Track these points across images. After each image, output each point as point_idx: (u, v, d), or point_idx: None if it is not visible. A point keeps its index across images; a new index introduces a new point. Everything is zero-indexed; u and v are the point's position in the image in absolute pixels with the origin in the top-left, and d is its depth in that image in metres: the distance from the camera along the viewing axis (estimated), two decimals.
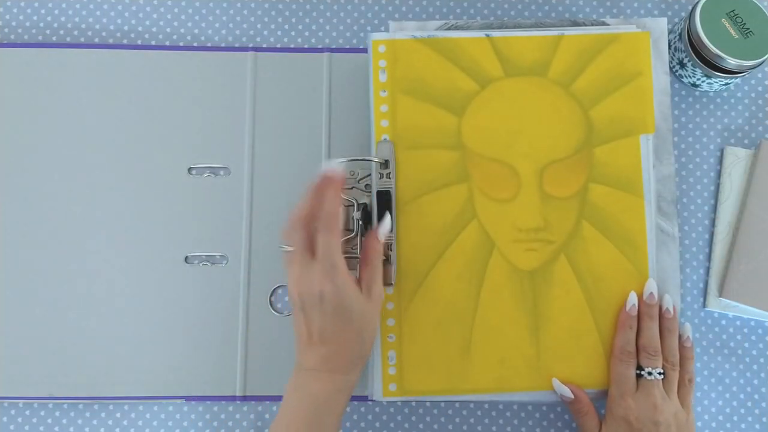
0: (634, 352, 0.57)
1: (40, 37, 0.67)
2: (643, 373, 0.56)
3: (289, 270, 0.53)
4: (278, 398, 0.62)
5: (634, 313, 0.58)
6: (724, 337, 0.64)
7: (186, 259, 0.63)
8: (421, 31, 0.62)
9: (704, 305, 0.64)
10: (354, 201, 0.62)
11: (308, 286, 0.51)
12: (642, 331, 0.58)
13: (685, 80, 0.66)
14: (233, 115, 0.65)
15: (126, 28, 0.67)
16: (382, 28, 0.68)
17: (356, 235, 0.61)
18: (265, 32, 0.68)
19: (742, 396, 0.63)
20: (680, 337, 0.59)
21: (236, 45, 0.67)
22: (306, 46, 0.68)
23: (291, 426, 0.52)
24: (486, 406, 0.63)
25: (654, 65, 0.61)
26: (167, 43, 0.67)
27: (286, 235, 0.53)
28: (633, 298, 0.59)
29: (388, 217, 0.58)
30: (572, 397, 0.58)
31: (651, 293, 0.59)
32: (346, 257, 0.59)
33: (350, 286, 0.52)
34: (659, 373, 0.56)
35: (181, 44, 0.67)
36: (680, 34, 0.63)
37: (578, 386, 0.58)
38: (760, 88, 0.67)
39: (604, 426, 0.56)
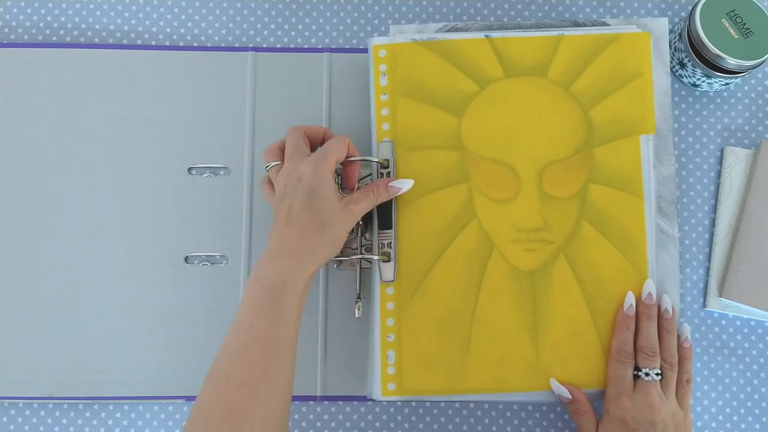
0: (631, 353, 0.57)
1: (40, 37, 0.67)
2: (640, 374, 0.56)
3: (280, 173, 0.56)
4: None
5: (632, 313, 0.58)
6: (724, 337, 0.64)
7: (186, 259, 0.63)
8: (421, 33, 0.62)
9: (704, 305, 0.64)
10: None
11: (293, 172, 0.54)
12: (640, 332, 0.58)
13: (685, 80, 0.66)
14: (233, 115, 0.65)
15: (126, 28, 0.67)
16: (382, 29, 0.68)
17: (356, 235, 0.61)
18: (265, 32, 0.68)
19: (742, 396, 0.63)
20: (678, 337, 0.58)
21: (236, 45, 0.67)
22: (306, 46, 0.68)
23: (253, 316, 0.51)
24: (486, 406, 0.63)
25: (655, 65, 0.61)
26: (167, 43, 0.67)
27: (270, 154, 0.57)
28: (630, 299, 0.59)
29: (411, 181, 0.59)
30: (570, 397, 0.57)
31: (649, 293, 0.59)
32: (345, 257, 0.60)
33: (329, 180, 0.54)
34: (657, 374, 0.56)
35: (181, 44, 0.67)
36: (680, 34, 0.63)
37: (576, 386, 0.58)
38: (760, 88, 0.67)
39: (601, 426, 0.56)
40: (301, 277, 0.52)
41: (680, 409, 0.56)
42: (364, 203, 0.56)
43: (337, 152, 0.55)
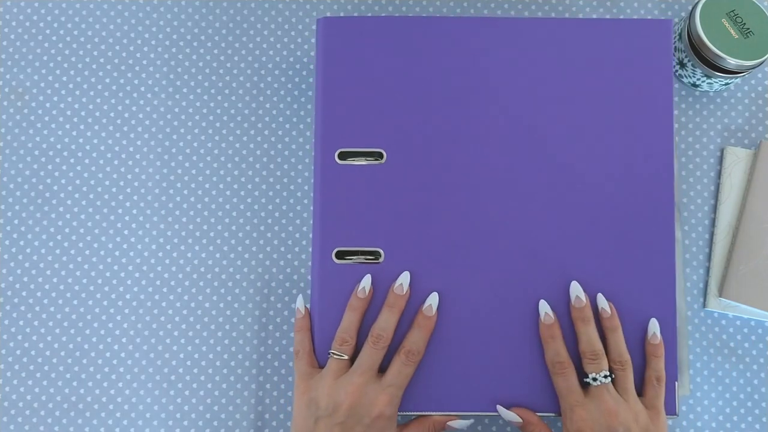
0: (567, 362, 0.52)
1: (40, 37, 0.67)
2: (587, 380, 0.52)
3: (345, 378, 0.52)
4: (279, 399, 0.62)
5: (550, 322, 0.53)
6: (724, 337, 0.64)
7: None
8: None
9: (704, 305, 0.64)
10: None
11: (368, 401, 0.51)
12: (579, 337, 0.53)
13: (685, 80, 0.66)
14: None
15: (126, 27, 0.67)
16: None
17: None
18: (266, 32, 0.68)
19: (742, 396, 0.63)
20: (647, 334, 0.54)
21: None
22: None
23: None
24: None
25: None
26: (167, 43, 0.67)
27: (343, 341, 0.53)
28: (544, 307, 0.54)
29: (470, 421, 0.56)
30: (521, 421, 0.53)
31: (577, 297, 0.54)
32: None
33: (395, 424, 0.52)
34: (605, 377, 0.52)
35: (181, 44, 0.67)
36: (680, 34, 0.63)
37: (527, 409, 0.54)
38: (760, 88, 0.67)
39: None
40: None
41: (646, 409, 0.52)
42: None
43: (407, 382, 0.52)
